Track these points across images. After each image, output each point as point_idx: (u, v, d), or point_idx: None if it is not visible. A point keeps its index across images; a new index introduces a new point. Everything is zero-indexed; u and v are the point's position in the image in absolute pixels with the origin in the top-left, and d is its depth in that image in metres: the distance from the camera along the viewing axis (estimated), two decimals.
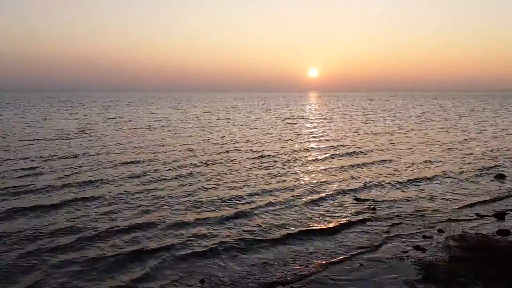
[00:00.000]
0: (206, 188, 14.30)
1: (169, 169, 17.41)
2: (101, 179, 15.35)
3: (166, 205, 12.28)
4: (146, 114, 55.50)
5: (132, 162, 18.75)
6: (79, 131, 31.98)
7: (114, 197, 13.08)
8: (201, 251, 9.03)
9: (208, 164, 18.53)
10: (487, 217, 11.31)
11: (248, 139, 27.78)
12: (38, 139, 26.69)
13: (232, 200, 12.89)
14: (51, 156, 20.38)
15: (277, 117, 50.05)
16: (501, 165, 18.49)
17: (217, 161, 19.30)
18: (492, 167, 18.16)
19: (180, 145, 24.75)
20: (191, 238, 9.73)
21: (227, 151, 22.31)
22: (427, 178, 15.98)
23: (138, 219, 11.00)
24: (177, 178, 15.76)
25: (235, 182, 15.28)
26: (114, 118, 47.47)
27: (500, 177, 16.18)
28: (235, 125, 38.81)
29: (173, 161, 19.26)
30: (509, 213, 11.54)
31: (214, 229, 10.38)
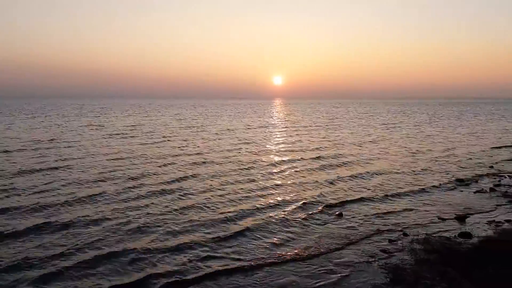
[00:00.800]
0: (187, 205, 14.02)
1: (155, 184, 15.60)
2: (74, 198, 13.40)
3: (155, 228, 10.74)
4: (117, 121, 54.00)
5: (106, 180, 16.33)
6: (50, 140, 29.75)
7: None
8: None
9: (186, 178, 17.01)
10: (449, 221, 11.65)
11: (226, 149, 27.58)
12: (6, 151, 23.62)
13: (199, 212, 12.71)
14: (19, 171, 17.78)
15: (250, 126, 49.22)
16: (461, 169, 19.14)
17: (195, 173, 18.79)
18: (453, 171, 18.78)
19: (157, 157, 22.84)
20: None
21: (204, 162, 21.59)
22: (391, 183, 16.34)
23: (119, 245, 9.57)
24: (162, 194, 14.34)
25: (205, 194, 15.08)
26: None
27: (460, 181, 16.74)
28: (211, 134, 38.02)
29: (154, 174, 17.62)
30: (469, 217, 11.92)
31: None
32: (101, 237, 10.01)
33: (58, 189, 14.64)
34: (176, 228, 10.75)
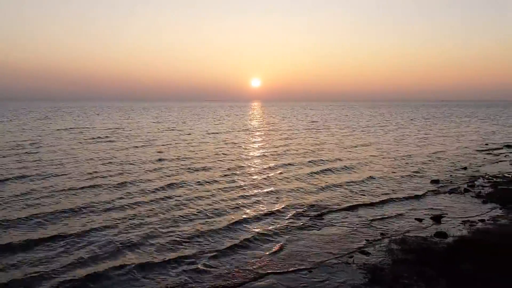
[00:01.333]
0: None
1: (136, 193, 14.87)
2: (58, 209, 12.44)
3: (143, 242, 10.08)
4: (97, 124, 53.00)
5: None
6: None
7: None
8: None
9: (170, 186, 16.94)
10: (426, 221, 11.87)
11: (216, 153, 27.44)
12: None
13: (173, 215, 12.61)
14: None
15: (234, 128, 48.91)
16: (436, 170, 19.52)
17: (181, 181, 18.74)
18: (428, 172, 19.15)
19: (143, 162, 22.84)
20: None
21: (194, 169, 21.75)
22: (369, 185, 16.57)
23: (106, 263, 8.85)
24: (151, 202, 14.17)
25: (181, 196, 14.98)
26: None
27: (435, 182, 17.08)
28: (197, 138, 37.65)
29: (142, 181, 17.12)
30: (445, 217, 12.18)
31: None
32: (88, 252, 9.33)
33: (41, 199, 13.75)
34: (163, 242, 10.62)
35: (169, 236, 10.46)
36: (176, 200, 13.92)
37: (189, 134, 39.70)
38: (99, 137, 34.78)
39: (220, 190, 15.56)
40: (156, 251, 9.54)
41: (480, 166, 21.29)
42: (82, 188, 15.40)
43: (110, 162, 21.38)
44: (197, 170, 19.47)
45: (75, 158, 22.65)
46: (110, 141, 32.21)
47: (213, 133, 41.47)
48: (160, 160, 22.31)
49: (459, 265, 8.36)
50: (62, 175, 17.84)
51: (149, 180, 17.01)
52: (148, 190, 15.16)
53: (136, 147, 28.35)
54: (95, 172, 18.48)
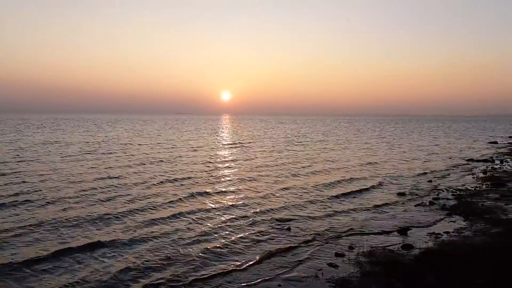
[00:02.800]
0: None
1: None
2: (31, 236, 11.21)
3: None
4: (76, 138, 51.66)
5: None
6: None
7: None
8: None
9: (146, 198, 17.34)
10: (393, 233, 12.06)
11: (203, 170, 27.12)
12: None
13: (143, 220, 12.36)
14: None
15: (216, 144, 48.94)
16: (402, 183, 19.93)
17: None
18: (395, 185, 19.53)
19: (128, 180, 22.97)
20: None
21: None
22: (338, 198, 16.72)
23: None
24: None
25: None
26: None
27: (401, 195, 17.43)
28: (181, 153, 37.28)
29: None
30: (411, 229, 12.40)
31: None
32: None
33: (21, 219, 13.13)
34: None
35: (124, 256, 10.24)
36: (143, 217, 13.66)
37: (171, 148, 39.23)
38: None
39: (190, 201, 15.43)
40: (109, 266, 9.35)
41: (444, 179, 21.87)
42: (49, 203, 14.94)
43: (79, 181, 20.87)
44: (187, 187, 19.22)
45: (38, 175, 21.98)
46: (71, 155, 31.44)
47: (197, 147, 41.20)
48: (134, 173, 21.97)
49: (425, 276, 8.50)
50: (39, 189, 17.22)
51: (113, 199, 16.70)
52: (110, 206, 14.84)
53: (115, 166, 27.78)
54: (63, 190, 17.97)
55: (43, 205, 14.44)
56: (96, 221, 12.64)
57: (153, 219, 13.00)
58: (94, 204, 14.73)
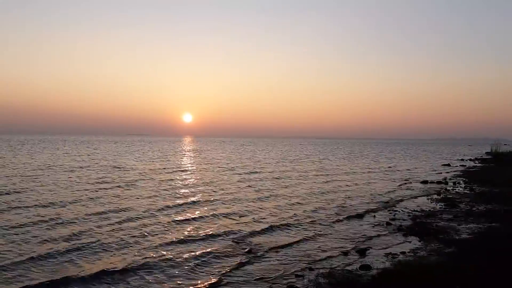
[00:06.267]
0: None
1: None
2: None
3: None
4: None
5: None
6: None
7: None
8: None
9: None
10: (351, 254, 12.23)
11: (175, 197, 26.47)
12: None
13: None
14: None
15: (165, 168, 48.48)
16: (360, 204, 20.32)
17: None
18: (353, 206, 19.89)
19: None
20: None
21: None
22: (298, 218, 16.82)
23: None
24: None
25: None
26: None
27: (359, 216, 17.77)
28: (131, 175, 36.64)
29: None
30: (369, 249, 12.62)
31: None
32: None
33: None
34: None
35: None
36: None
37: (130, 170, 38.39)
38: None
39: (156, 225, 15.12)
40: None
41: (400, 200, 22.48)
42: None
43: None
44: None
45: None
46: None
47: (150, 170, 40.50)
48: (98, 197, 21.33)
49: None
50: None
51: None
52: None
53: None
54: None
55: None
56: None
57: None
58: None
